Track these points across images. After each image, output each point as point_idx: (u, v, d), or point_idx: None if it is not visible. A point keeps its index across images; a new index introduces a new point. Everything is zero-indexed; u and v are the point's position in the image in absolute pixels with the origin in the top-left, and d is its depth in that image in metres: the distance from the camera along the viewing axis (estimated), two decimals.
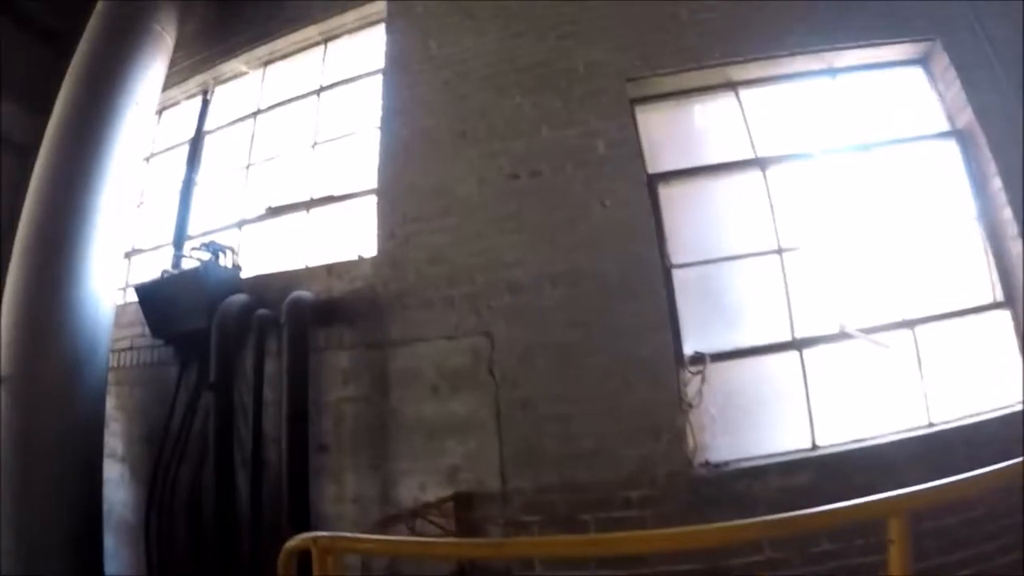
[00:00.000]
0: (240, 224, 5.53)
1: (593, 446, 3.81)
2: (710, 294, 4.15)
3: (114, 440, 5.46)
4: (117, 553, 5.26)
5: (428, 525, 3.81)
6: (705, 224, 4.28)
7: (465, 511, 4.00)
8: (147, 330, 5.23)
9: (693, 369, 3.94)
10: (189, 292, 4.81)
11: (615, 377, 3.87)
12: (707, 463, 3.79)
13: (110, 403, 5.22)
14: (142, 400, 5.48)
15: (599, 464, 3.77)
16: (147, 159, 5.74)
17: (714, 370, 3.94)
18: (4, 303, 4.87)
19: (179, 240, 5.80)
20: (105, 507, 4.92)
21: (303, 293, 4.51)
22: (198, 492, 4.72)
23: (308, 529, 4.24)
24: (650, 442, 3.73)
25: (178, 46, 5.94)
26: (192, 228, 5.89)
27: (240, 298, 4.69)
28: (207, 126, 6.21)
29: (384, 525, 3.90)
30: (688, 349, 3.99)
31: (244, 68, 6.10)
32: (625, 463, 3.73)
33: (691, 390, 3.91)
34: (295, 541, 2.08)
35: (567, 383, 3.95)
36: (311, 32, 5.76)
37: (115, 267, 5.15)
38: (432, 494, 4.06)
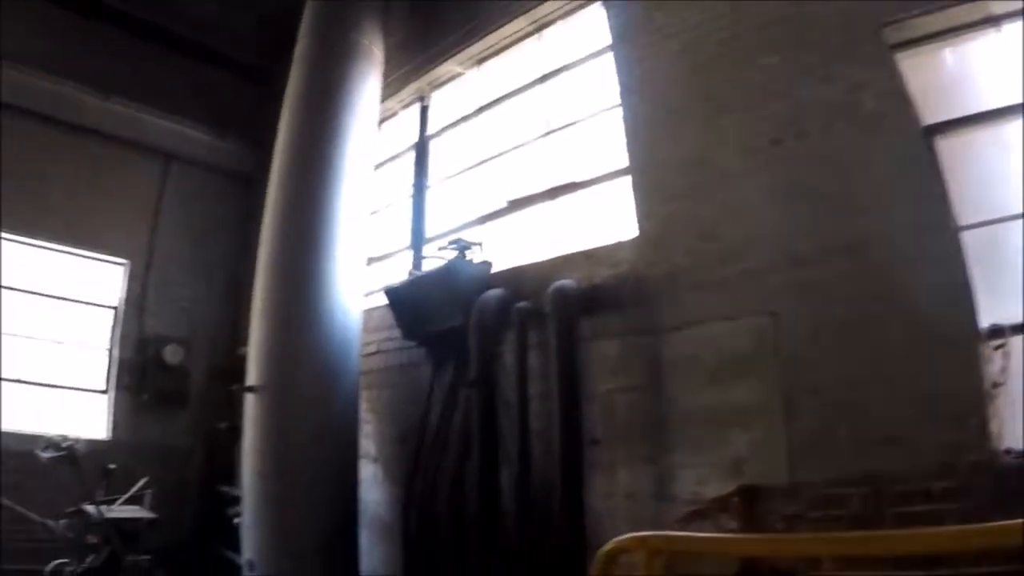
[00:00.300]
0: (482, 220, 5.57)
1: (890, 433, 3.33)
2: (1001, 257, 3.50)
3: (367, 442, 5.70)
4: (371, 550, 5.47)
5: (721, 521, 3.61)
6: (991, 178, 3.63)
7: (750, 505, 3.69)
8: (395, 332, 5.41)
9: (994, 343, 3.34)
10: (441, 291, 4.88)
11: (912, 356, 3.36)
12: (1010, 451, 3.20)
13: (361, 406, 5.45)
14: (391, 402, 5.69)
15: (897, 453, 3.29)
16: (376, 168, 5.96)
17: (1013, 344, 3.28)
18: (253, 319, 5.22)
19: (417, 243, 5.97)
20: (359, 506, 5.15)
21: (566, 282, 4.40)
22: (460, 489, 4.75)
23: (582, 525, 4.15)
24: (953, 428, 3.20)
25: (387, 58, 6.14)
26: (430, 229, 6.05)
27: (496, 292, 4.68)
28: (430, 130, 6.38)
29: (686, 521, 3.70)
30: (984, 321, 3.38)
31: (458, 69, 6.18)
32: (925, 452, 3.23)
33: (994, 368, 3.31)
34: (615, 542, 1.91)
35: (859, 364, 3.49)
36: (522, 23, 5.71)
37: (358, 274, 5.37)
38: (713, 488, 3.79)
